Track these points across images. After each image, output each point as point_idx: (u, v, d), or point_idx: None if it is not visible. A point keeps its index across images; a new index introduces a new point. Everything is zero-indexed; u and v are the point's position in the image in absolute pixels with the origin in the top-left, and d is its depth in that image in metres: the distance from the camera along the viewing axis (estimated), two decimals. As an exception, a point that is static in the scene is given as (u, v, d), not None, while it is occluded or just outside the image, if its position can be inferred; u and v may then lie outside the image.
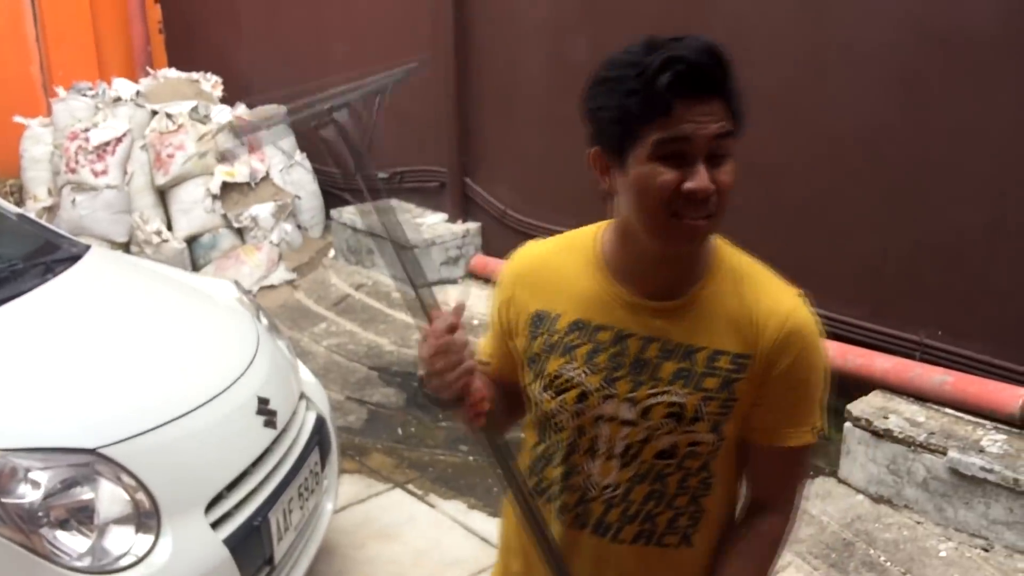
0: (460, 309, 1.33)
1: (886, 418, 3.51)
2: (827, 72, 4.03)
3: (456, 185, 5.91)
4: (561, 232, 1.51)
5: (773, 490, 1.47)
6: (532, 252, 1.50)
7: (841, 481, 3.66)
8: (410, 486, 3.78)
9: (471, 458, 3.98)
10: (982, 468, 3.21)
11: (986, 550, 3.24)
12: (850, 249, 4.10)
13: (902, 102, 3.80)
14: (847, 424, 3.61)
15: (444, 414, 4.27)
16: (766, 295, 1.38)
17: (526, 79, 5.40)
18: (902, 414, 3.55)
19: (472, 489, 3.74)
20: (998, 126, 3.54)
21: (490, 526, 3.48)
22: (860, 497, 3.57)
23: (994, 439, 3.36)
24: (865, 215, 4.01)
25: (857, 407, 3.62)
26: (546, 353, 1.41)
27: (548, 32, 5.19)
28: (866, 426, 3.53)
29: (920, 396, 3.63)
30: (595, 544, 1.48)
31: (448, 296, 5.59)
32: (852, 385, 3.81)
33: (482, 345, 1.57)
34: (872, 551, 3.28)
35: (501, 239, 5.66)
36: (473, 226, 5.88)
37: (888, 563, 3.22)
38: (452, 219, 5.95)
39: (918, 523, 3.40)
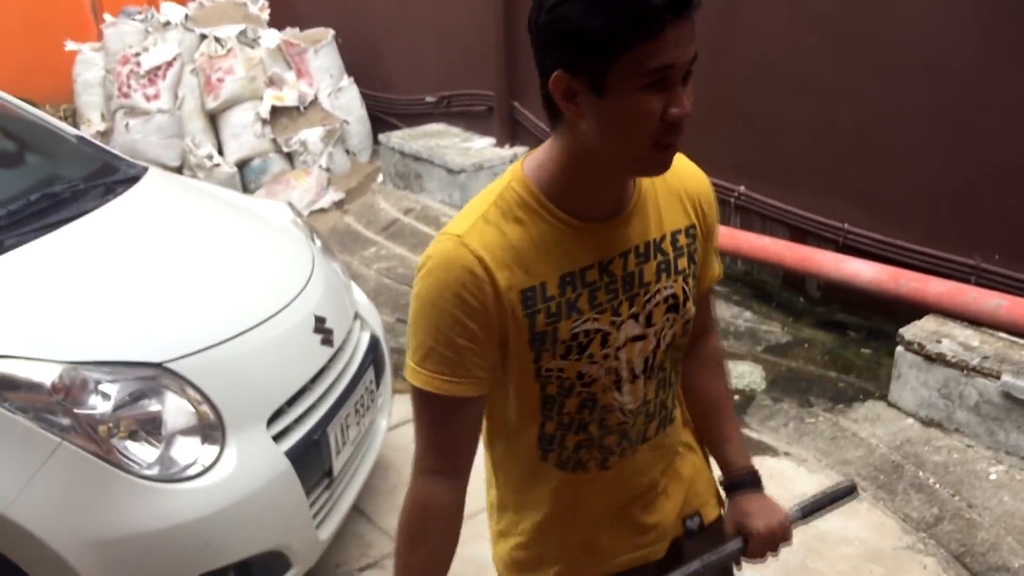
0: None
1: (939, 342, 3.49)
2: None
3: (504, 109, 5.86)
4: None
5: (708, 320, 1.62)
6: (476, 238, 1.28)
7: (891, 405, 3.66)
8: (461, 406, 3.85)
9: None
10: (1036, 392, 3.19)
11: (1037, 473, 3.24)
12: (905, 171, 4.03)
13: (966, 17, 3.69)
14: (899, 348, 3.59)
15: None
16: (682, 168, 1.45)
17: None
18: (955, 338, 3.52)
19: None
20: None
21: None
22: (910, 421, 3.57)
23: (1049, 363, 3.33)
24: (921, 136, 3.93)
25: (909, 331, 3.60)
26: (551, 324, 1.31)
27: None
28: (918, 350, 3.51)
29: (974, 320, 3.60)
30: (632, 458, 1.48)
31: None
32: (905, 309, 3.79)
33: (450, 376, 1.30)
34: (921, 473, 3.29)
35: (549, 163, 5.64)
36: (521, 150, 5.85)
37: (937, 485, 3.23)
38: (500, 143, 5.92)
39: (968, 447, 3.39)
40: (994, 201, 3.74)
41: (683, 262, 1.41)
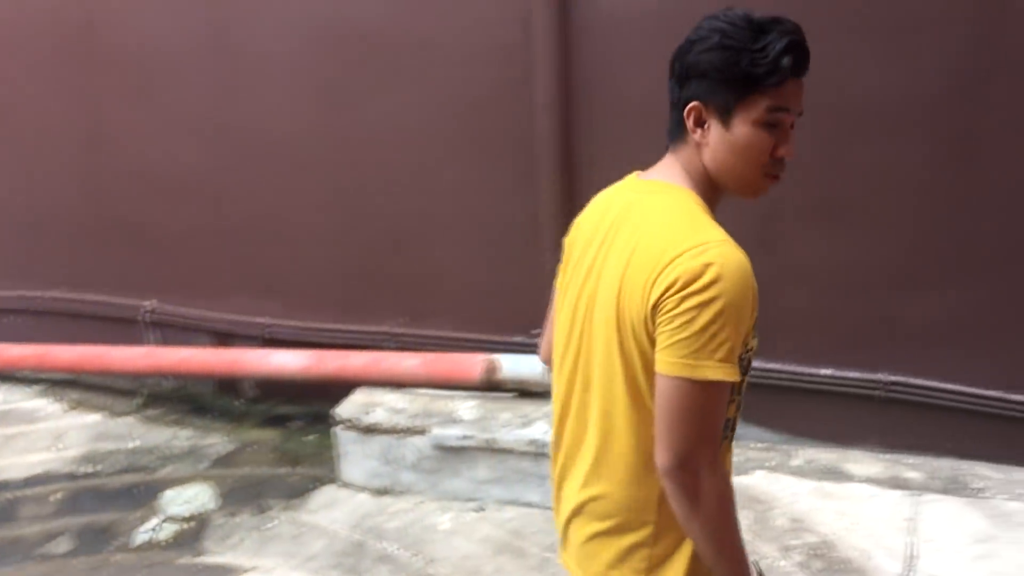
0: None
1: (369, 412, 3.58)
2: (240, 87, 4.00)
3: None
4: None
5: None
6: (731, 238, 1.43)
7: (344, 485, 3.67)
8: None
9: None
10: (461, 437, 3.40)
11: (481, 510, 3.45)
12: (309, 257, 4.13)
13: (317, 107, 3.90)
14: (337, 428, 3.62)
15: None
16: None
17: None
18: (385, 405, 3.64)
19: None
20: (406, 117, 3.77)
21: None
22: (364, 495, 3.60)
23: (468, 407, 3.58)
24: (319, 222, 4.07)
25: (343, 408, 3.65)
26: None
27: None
28: (355, 425, 3.57)
29: (398, 383, 3.77)
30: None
31: None
32: (337, 387, 3.84)
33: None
34: (382, 543, 3.32)
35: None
36: None
37: (399, 550, 3.28)
38: None
39: (420, 503, 3.51)
40: (396, 271, 3.99)
41: None
